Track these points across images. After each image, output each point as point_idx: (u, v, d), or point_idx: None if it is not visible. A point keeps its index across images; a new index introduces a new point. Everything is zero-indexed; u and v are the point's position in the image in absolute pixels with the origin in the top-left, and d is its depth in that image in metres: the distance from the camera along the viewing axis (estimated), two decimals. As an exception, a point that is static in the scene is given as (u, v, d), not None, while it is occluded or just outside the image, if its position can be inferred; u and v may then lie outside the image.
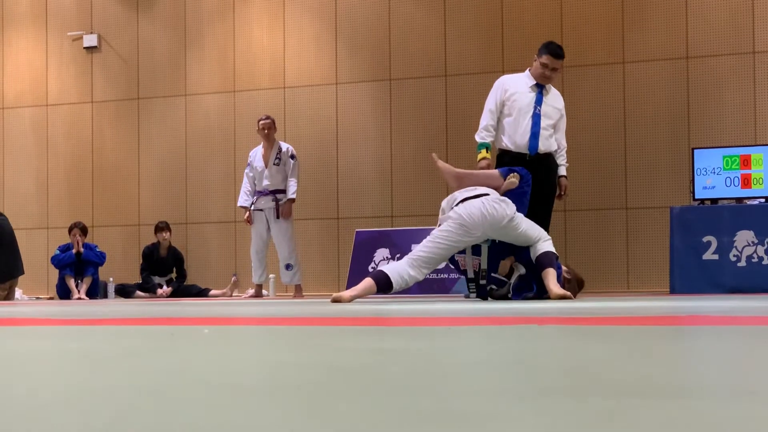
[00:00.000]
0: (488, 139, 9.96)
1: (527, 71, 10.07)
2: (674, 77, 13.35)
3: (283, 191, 13.18)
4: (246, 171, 13.43)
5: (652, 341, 3.27)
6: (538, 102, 9.87)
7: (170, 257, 14.93)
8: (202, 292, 14.57)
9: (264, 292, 13.54)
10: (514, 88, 9.95)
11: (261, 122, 13.32)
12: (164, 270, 14.92)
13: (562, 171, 10.10)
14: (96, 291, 14.43)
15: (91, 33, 16.20)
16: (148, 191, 15.88)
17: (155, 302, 11.52)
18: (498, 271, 8.73)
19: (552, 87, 10.10)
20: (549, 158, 9.92)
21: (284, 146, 13.32)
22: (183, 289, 14.71)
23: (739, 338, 3.37)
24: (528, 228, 8.66)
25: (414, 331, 4.20)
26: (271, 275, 13.61)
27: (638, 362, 2.37)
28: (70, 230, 14.59)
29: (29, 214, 16.28)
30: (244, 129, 15.07)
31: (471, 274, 8.79)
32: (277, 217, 13.14)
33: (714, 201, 10.99)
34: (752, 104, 13.03)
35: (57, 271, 14.57)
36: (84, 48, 16.24)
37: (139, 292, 14.71)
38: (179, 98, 15.73)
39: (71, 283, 14.30)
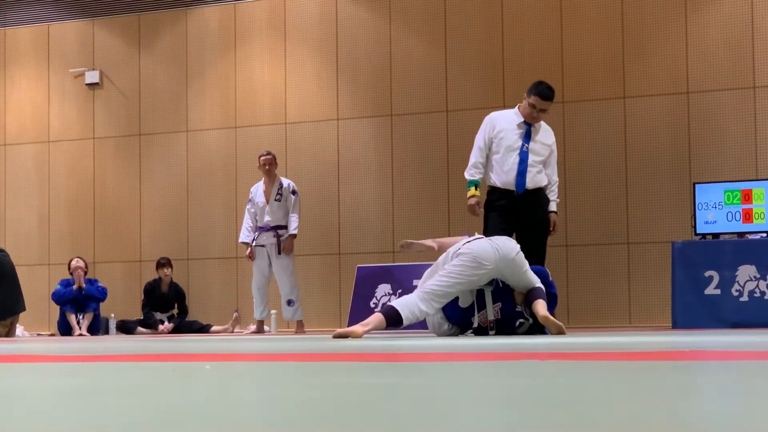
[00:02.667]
0: (477, 177, 10.01)
1: (516, 108, 10.11)
2: (675, 112, 13.38)
3: (285, 227, 13.19)
4: (247, 207, 13.44)
5: (653, 377, 3.26)
6: (526, 140, 9.90)
7: (172, 293, 14.92)
8: (203, 328, 14.55)
9: (266, 328, 13.52)
10: (502, 125, 9.99)
11: (262, 158, 13.34)
12: (166, 306, 14.91)
13: (552, 207, 10.11)
14: (97, 327, 14.42)
15: (93, 69, 16.26)
16: (150, 227, 15.89)
17: (157, 338, 11.50)
18: (517, 303, 8.81)
19: (543, 122, 10.13)
20: (539, 193, 9.93)
21: (285, 182, 13.34)
22: (184, 325, 14.69)
23: (742, 374, 3.36)
24: (530, 269, 8.74)
25: (415, 367, 4.19)
26: (272, 311, 13.59)
27: (640, 399, 2.37)
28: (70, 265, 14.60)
29: (30, 250, 16.28)
30: (245, 165, 15.09)
31: (476, 324, 8.83)
32: (279, 253, 13.14)
33: (716, 236, 10.99)
34: (753, 138, 13.05)
35: (58, 307, 14.56)
36: (86, 84, 16.29)
37: (140, 329, 14.70)
38: (181, 134, 15.77)
39: (72, 319, 14.29)
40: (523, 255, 8.74)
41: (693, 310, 10.73)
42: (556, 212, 10.16)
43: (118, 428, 1.88)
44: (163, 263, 14.86)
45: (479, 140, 10.08)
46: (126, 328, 14.67)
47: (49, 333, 14.58)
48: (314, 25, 15.18)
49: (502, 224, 9.79)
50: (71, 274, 14.59)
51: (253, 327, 13.56)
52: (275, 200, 13.21)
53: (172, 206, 15.76)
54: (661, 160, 13.37)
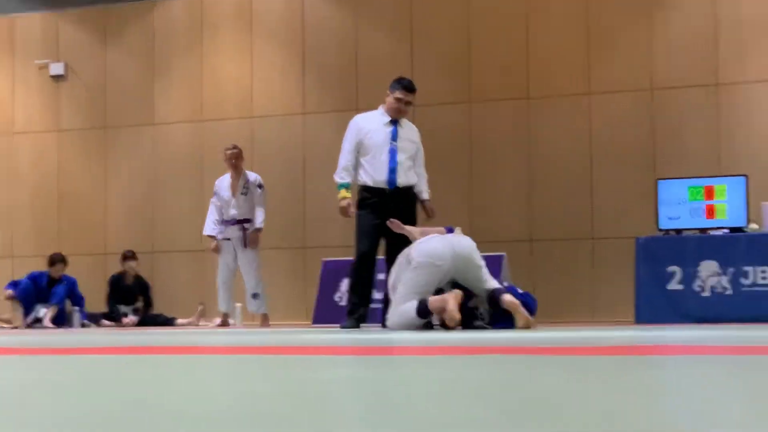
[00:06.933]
0: (347, 179, 10.30)
1: (380, 108, 10.40)
2: (639, 108, 13.44)
3: (251, 220, 13.16)
4: (212, 200, 13.41)
5: (615, 372, 3.29)
6: (394, 137, 10.19)
7: (136, 286, 14.87)
8: (168, 321, 14.51)
9: (230, 321, 13.50)
10: (369, 125, 10.29)
11: (228, 152, 13.31)
12: (130, 299, 14.85)
13: (425, 196, 10.40)
14: (62, 320, 14.35)
15: (58, 61, 16.16)
16: (115, 220, 15.83)
17: (121, 331, 11.47)
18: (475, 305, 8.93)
19: (406, 121, 10.48)
20: (409, 191, 10.23)
21: (252, 176, 13.31)
22: (149, 318, 14.64)
23: (704, 368, 3.40)
24: (486, 268, 8.95)
25: (379, 361, 4.21)
26: (237, 304, 13.57)
27: (601, 394, 2.39)
28: (53, 263, 14.56)
29: (-5, 243, 16.19)
30: (211, 158, 15.04)
31: (436, 322, 8.93)
32: (245, 246, 13.12)
33: (678, 231, 11.06)
34: (716, 135, 13.13)
35: (23, 299, 14.48)
36: (51, 76, 16.20)
37: (104, 321, 14.64)
38: (147, 127, 15.71)
39: (37, 312, 14.23)
40: (478, 252, 8.94)
41: (656, 306, 10.79)
42: (429, 200, 10.44)
43: (79, 420, 1.89)
44: (128, 256, 14.80)
45: (346, 143, 10.39)
46: (91, 320, 14.60)
47: (12, 326, 14.49)
48: (281, 19, 15.16)
49: (374, 221, 10.07)
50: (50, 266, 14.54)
51: (218, 320, 13.53)
52: (241, 194, 13.18)
53: (137, 199, 15.70)
54: (625, 156, 13.43)
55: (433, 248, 8.87)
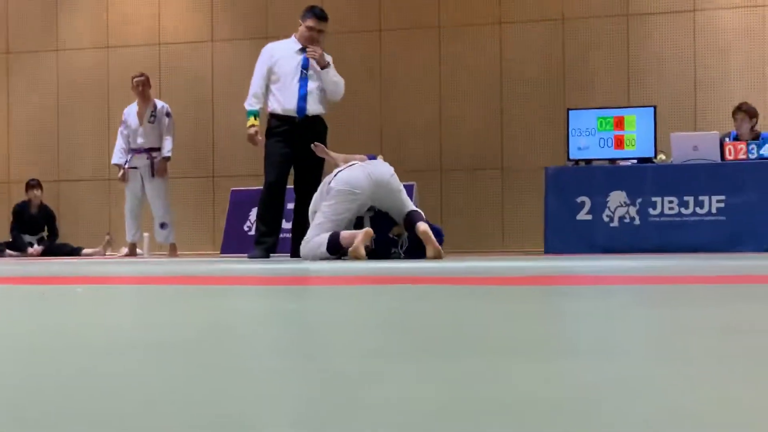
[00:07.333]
0: (256, 106, 10.23)
1: (293, 36, 10.30)
2: (550, 38, 13.48)
3: (158, 149, 13.03)
4: (120, 129, 13.24)
5: (525, 301, 3.30)
6: (305, 66, 10.10)
7: (41, 215, 14.68)
8: (74, 251, 14.36)
9: (138, 250, 13.40)
10: (280, 53, 10.21)
11: (135, 79, 13.13)
12: (35, 228, 14.66)
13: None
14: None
15: (-41, -15, 15.79)
16: (19, 148, 15.58)
17: (26, 261, 11.34)
18: (393, 234, 9.08)
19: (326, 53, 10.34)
20: (317, 121, 10.13)
21: (160, 104, 13.16)
22: (55, 248, 14.47)
23: (610, 297, 3.42)
24: (405, 192, 9.00)
25: (292, 291, 4.19)
26: (145, 234, 13.46)
27: (511, 322, 2.39)
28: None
29: None
30: (117, 86, 14.83)
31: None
32: (152, 176, 12.99)
33: (588, 162, 11.14)
34: (626, 66, 13.22)
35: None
36: (-49, 0, 15.83)
37: (9, 251, 14.45)
38: (51, 53, 15.43)
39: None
40: (397, 177, 8.97)
41: (565, 236, 10.88)
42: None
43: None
44: (32, 185, 14.58)
45: (258, 70, 10.29)
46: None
47: None
48: (189, -57, 14.92)
49: (282, 149, 10.03)
50: None
51: (125, 250, 13.42)
52: (149, 122, 13.03)
53: (41, 127, 15.45)
54: (536, 86, 13.48)
55: (351, 177, 8.92)
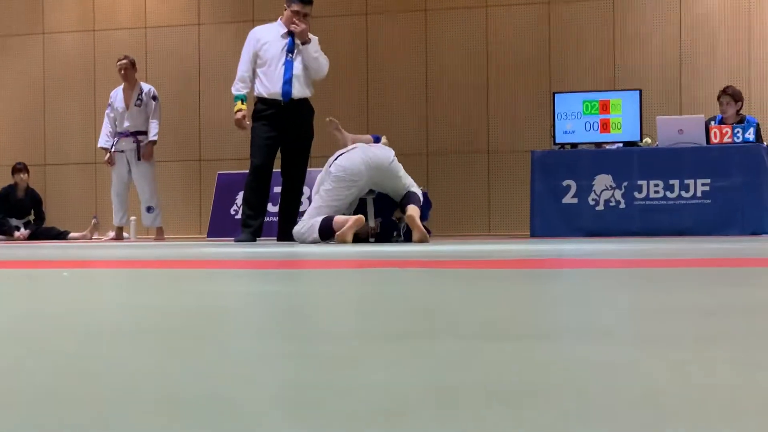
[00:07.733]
0: (243, 91, 10.23)
1: (279, 20, 10.28)
2: (536, 21, 13.48)
3: (145, 133, 13.01)
4: (107, 112, 13.21)
5: (509, 284, 3.32)
6: (290, 49, 10.10)
7: (28, 199, 14.65)
8: (61, 235, 14.34)
9: (125, 234, 13.39)
10: (266, 37, 10.20)
11: (119, 62, 13.11)
12: (22, 212, 14.64)
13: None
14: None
15: (-56, -32, 15.71)
16: (5, 132, 15.54)
17: (12, 245, 11.32)
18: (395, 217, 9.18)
19: (313, 36, 10.32)
20: (303, 104, 10.11)
21: (146, 87, 13.14)
22: (41, 232, 14.46)
23: (594, 280, 3.44)
24: (405, 174, 9.11)
25: (276, 275, 4.20)
26: (132, 217, 13.45)
27: (493, 305, 2.40)
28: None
29: None
30: (103, 69, 14.80)
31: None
32: (139, 159, 12.98)
33: (574, 145, 11.16)
34: (611, 50, 13.23)
35: None
36: (-64, -17, 15.75)
37: (-5, 235, 14.43)
38: (36, 36, 15.38)
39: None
40: (397, 161, 9.01)
41: (551, 219, 10.91)
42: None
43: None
44: (19, 168, 14.55)
45: (245, 55, 10.28)
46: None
47: None
48: (175, -74, 14.87)
49: (269, 133, 10.04)
50: None
51: (112, 233, 13.42)
52: (135, 105, 13.01)
53: (28, 110, 15.41)
54: (522, 69, 13.48)
55: (349, 163, 8.98)
